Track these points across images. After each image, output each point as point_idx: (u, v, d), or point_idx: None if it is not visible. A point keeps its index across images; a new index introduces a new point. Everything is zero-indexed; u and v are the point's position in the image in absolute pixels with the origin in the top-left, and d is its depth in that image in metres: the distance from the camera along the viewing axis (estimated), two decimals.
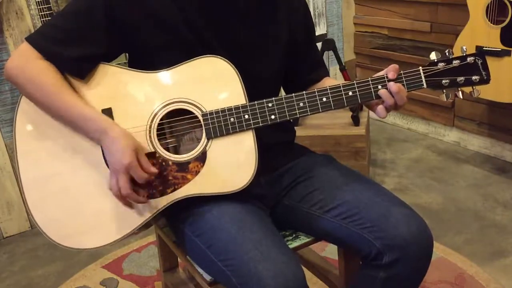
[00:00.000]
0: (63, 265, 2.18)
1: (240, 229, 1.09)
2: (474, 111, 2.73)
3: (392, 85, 1.13)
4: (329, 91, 1.15)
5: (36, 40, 1.15)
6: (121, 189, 1.09)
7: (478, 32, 2.22)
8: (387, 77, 1.14)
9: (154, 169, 1.11)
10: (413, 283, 1.17)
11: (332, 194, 1.20)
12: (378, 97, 1.15)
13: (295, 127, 1.44)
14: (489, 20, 2.18)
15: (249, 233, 1.08)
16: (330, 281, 1.47)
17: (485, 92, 2.28)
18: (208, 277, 1.18)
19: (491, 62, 1.17)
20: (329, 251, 1.99)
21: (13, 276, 2.16)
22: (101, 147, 1.13)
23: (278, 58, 1.29)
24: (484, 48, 2.18)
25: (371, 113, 3.39)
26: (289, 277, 1.02)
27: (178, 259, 1.60)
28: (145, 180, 1.10)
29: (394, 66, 1.15)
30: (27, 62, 1.14)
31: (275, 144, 1.29)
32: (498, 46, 2.16)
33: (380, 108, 1.15)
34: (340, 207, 1.18)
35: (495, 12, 2.16)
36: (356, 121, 2.53)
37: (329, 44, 2.74)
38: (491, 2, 2.16)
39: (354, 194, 1.18)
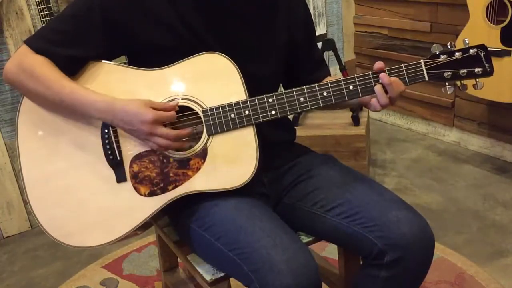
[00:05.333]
0: (63, 265, 2.18)
1: (249, 219, 1.10)
2: (474, 111, 2.73)
3: (383, 77, 1.13)
4: (329, 85, 1.15)
5: (33, 41, 1.17)
6: (168, 136, 1.09)
7: (478, 32, 2.22)
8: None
9: (174, 104, 1.12)
10: (414, 282, 1.17)
11: (333, 193, 1.21)
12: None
13: (295, 127, 1.44)
14: (489, 20, 2.18)
15: (259, 222, 1.09)
16: (331, 281, 1.47)
17: (485, 92, 2.29)
18: (208, 277, 1.18)
19: None
20: (329, 251, 1.99)
21: (13, 276, 2.16)
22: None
23: (276, 60, 1.29)
24: None
25: (371, 113, 3.39)
26: (302, 262, 1.02)
27: (178, 259, 1.60)
28: (175, 118, 1.12)
29: (379, 63, 1.15)
30: (24, 58, 1.15)
31: (276, 143, 1.29)
32: (498, 46, 2.16)
33: (374, 101, 1.15)
34: (341, 206, 1.18)
35: (495, 12, 2.16)
36: (356, 121, 2.53)
37: (329, 44, 2.74)
38: (491, 2, 2.16)
39: (355, 194, 1.18)
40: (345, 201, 1.18)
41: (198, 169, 1.14)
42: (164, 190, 1.15)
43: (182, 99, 1.15)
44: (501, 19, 2.16)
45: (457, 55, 1.14)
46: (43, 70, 1.13)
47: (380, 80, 1.13)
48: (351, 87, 1.15)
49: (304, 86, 1.15)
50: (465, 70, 1.14)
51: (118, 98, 1.12)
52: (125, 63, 1.21)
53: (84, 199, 1.16)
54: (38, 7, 2.16)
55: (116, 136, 1.16)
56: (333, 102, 1.15)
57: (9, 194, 2.40)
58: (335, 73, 3.22)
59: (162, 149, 1.12)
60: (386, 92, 1.13)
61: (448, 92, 1.16)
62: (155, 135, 1.09)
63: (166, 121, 1.11)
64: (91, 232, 1.15)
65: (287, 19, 1.29)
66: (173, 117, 1.11)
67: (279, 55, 1.29)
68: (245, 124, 1.14)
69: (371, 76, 1.15)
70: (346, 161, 2.45)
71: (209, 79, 1.15)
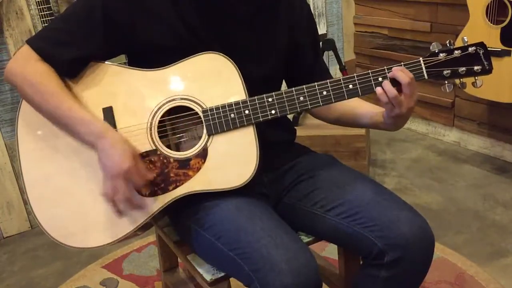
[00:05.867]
0: (63, 265, 2.18)
1: (249, 219, 1.10)
2: (474, 111, 2.73)
3: (402, 77, 1.10)
4: (329, 85, 1.15)
5: (35, 41, 1.16)
6: (121, 194, 1.07)
7: (478, 32, 2.22)
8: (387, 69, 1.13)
9: (151, 175, 1.11)
10: (414, 282, 1.17)
11: (334, 193, 1.21)
12: (379, 85, 1.13)
13: (295, 127, 1.44)
14: (489, 20, 2.18)
15: (260, 222, 1.09)
16: (331, 281, 1.47)
17: (485, 92, 2.30)
18: (208, 277, 1.18)
19: None
20: (329, 251, 1.99)
21: (13, 276, 2.16)
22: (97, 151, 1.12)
23: (276, 60, 1.29)
24: None
25: None
26: (303, 262, 1.02)
27: (178, 259, 1.60)
28: (141, 186, 1.10)
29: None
30: (27, 64, 1.14)
31: (276, 143, 1.29)
32: (498, 46, 2.17)
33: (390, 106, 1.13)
34: (342, 206, 1.18)
35: (495, 12, 2.16)
36: None
37: (329, 44, 2.74)
38: (491, 2, 2.16)
39: (355, 194, 1.18)
40: (345, 201, 1.18)
41: (198, 169, 1.14)
42: (164, 190, 1.15)
43: (182, 99, 1.15)
44: (501, 19, 2.16)
45: (456, 53, 1.15)
46: (45, 81, 1.12)
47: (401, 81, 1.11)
48: (350, 86, 1.15)
49: (304, 85, 1.15)
50: (464, 68, 1.15)
51: (114, 131, 1.12)
52: (125, 63, 1.22)
53: (84, 199, 1.16)
54: (38, 7, 2.16)
55: None
56: (333, 101, 1.15)
57: (9, 194, 2.40)
58: (335, 73, 3.22)
59: (105, 196, 1.09)
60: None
61: (448, 91, 1.17)
62: (112, 184, 1.07)
63: (133, 182, 1.08)
64: (92, 232, 1.15)
65: (288, 19, 1.29)
66: (140, 185, 1.09)
67: (279, 56, 1.29)
68: (245, 123, 1.14)
69: (370, 75, 1.15)
70: (346, 161, 2.45)
71: (209, 79, 1.15)
